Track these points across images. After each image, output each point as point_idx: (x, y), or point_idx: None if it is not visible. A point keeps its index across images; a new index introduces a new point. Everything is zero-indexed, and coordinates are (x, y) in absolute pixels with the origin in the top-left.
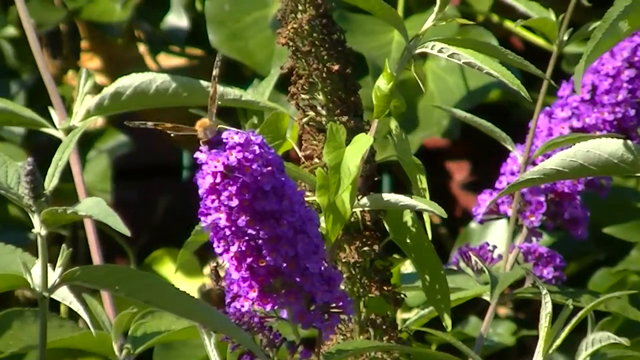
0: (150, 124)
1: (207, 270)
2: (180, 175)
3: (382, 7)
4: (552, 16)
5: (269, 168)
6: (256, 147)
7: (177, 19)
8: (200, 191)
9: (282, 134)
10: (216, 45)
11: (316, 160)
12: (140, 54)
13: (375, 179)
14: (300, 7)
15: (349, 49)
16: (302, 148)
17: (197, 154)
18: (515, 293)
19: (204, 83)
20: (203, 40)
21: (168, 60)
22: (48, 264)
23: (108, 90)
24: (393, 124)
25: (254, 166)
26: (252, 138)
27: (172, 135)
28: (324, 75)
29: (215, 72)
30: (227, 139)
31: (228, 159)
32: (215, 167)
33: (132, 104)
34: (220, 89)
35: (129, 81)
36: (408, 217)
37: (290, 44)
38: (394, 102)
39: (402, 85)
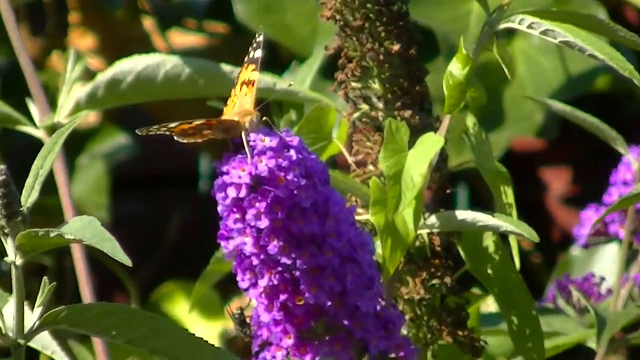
0: (173, 125)
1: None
2: (197, 186)
3: None
4: None
5: (309, 179)
6: (292, 152)
7: None
8: (220, 208)
9: (326, 134)
10: (244, 19)
11: (370, 167)
12: (146, 31)
13: (447, 191)
14: None
15: (413, 24)
16: (353, 152)
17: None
18: (629, 338)
19: (227, 68)
20: (227, 13)
21: (182, 38)
22: (25, 302)
23: (103, 77)
24: (470, 121)
25: (290, 176)
26: (288, 140)
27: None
28: (381, 57)
29: (257, 52)
30: (254, 141)
31: (256, 168)
32: (240, 177)
33: (134, 95)
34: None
35: (131, 65)
36: (490, 241)
37: (338, 17)
38: (471, 92)
39: (483, 70)
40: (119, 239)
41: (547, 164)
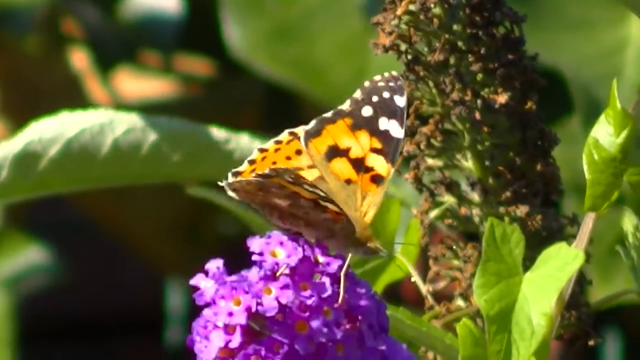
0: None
1: None
2: (163, 335)
3: None
4: None
5: (353, 324)
6: (324, 280)
7: None
8: None
9: (384, 246)
10: (243, 52)
11: (459, 302)
12: (76, 72)
13: (590, 342)
14: None
15: (532, 60)
16: (429, 276)
17: (196, 280)
18: None
19: (219, 133)
20: (212, 42)
21: (136, 84)
22: None
23: (8, 149)
24: (630, 223)
25: (317, 322)
26: (320, 259)
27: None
28: (478, 115)
29: (384, 118)
30: (260, 253)
31: (260, 299)
32: (231, 314)
33: (62, 180)
34: (243, 142)
35: (56, 129)
36: None
37: (403, 47)
38: (631, 175)
39: None
40: None
41: None
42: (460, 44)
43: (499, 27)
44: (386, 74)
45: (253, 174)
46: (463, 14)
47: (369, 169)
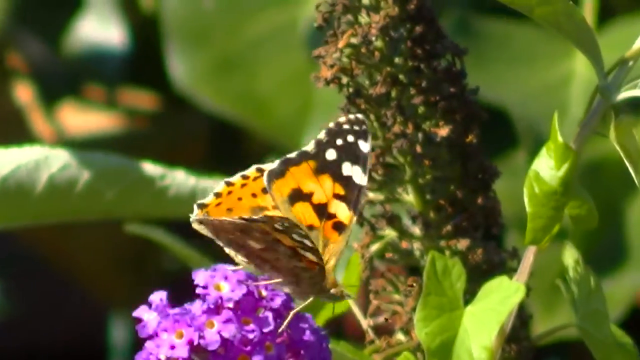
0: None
1: None
2: None
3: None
4: None
5: (296, 358)
6: (267, 314)
7: (99, 27)
8: None
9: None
10: (187, 85)
11: (400, 336)
12: (19, 106)
13: None
14: (366, 1)
15: (473, 94)
16: (371, 310)
17: (139, 312)
18: None
19: (154, 170)
20: (156, 76)
21: (81, 118)
22: None
23: None
24: (571, 257)
25: (259, 356)
26: (264, 293)
27: None
28: (419, 148)
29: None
30: (205, 286)
31: (202, 332)
32: (173, 347)
33: None
34: (178, 178)
35: None
36: None
37: (344, 80)
38: (572, 208)
39: (592, 173)
40: None
41: None
42: (401, 76)
43: (441, 59)
44: (351, 116)
45: (236, 216)
46: (405, 46)
47: (331, 216)
